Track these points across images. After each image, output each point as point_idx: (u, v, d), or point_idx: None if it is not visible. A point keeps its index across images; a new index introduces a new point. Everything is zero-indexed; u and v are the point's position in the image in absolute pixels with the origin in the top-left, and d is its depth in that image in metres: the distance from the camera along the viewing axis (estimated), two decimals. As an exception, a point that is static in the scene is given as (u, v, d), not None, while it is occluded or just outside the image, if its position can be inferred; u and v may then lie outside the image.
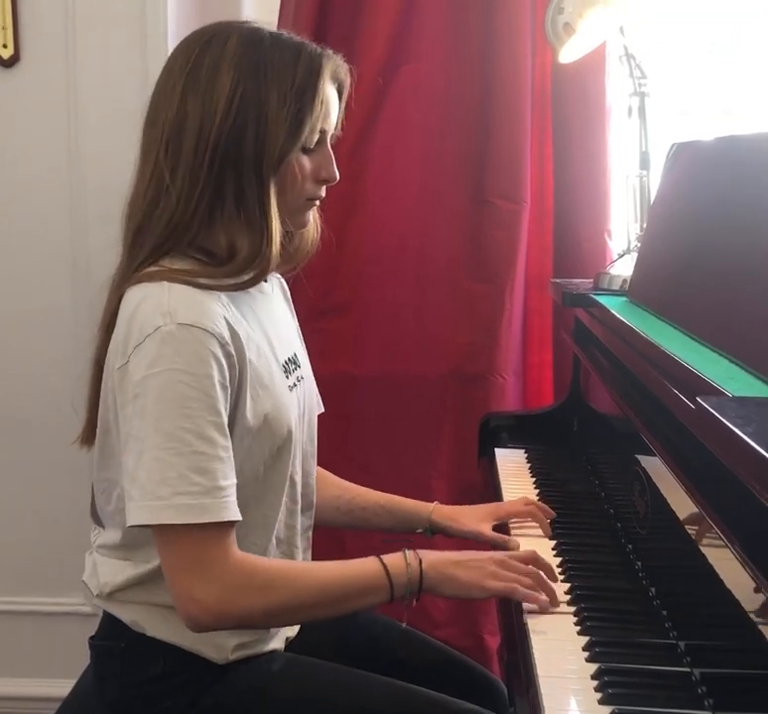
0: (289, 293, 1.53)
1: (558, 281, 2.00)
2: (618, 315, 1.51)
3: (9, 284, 2.11)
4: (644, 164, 1.92)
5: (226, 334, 1.20)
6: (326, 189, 1.33)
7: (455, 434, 2.19)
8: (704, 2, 2.16)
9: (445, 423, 2.21)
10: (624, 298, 1.70)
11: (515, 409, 2.18)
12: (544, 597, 1.25)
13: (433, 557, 1.25)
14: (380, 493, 1.59)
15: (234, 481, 1.19)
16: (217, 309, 1.21)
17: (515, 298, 2.15)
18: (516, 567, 1.26)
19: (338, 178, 1.31)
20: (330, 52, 1.28)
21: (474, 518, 1.53)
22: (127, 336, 1.19)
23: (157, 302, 1.18)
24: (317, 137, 1.27)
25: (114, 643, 1.32)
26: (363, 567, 1.24)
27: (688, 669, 1.10)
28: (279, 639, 1.38)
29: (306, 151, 1.26)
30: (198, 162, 1.21)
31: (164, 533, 1.17)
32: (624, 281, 1.77)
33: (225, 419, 1.19)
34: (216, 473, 1.16)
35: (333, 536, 2.11)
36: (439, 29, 2.09)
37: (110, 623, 1.34)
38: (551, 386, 2.21)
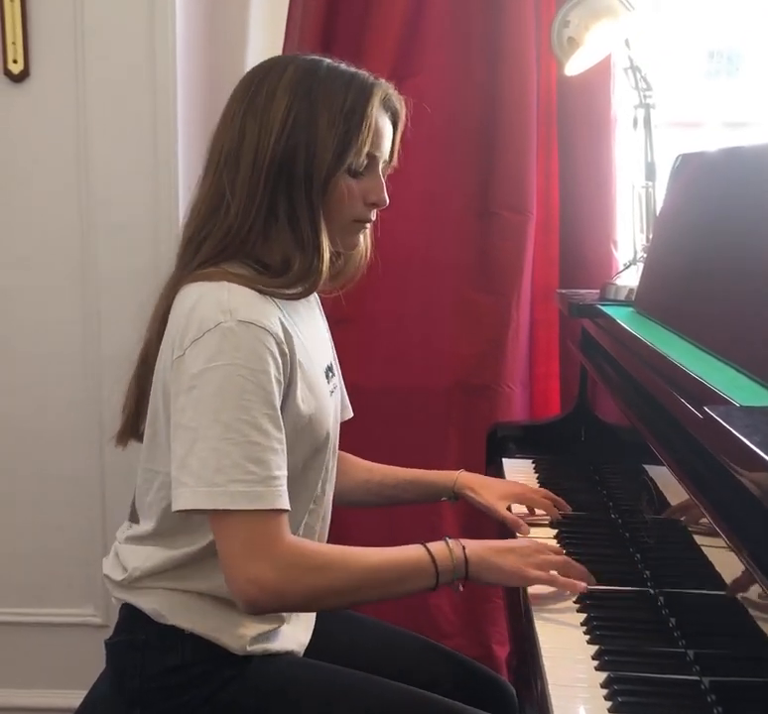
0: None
1: (564, 291, 2.01)
2: (625, 325, 1.52)
3: (20, 294, 2.12)
4: (650, 174, 1.93)
5: (281, 333, 1.25)
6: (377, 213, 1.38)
7: (462, 445, 2.20)
8: (706, 13, 2.17)
9: (451, 434, 2.21)
10: (631, 309, 1.71)
11: (522, 419, 2.18)
12: (582, 584, 1.29)
13: (474, 545, 1.30)
14: (405, 469, 1.66)
15: (286, 473, 1.23)
16: (272, 310, 1.27)
17: (521, 309, 2.16)
18: (551, 556, 1.32)
19: (388, 202, 1.37)
20: (383, 81, 1.34)
21: (493, 492, 1.59)
22: (185, 330, 1.24)
23: (217, 300, 1.24)
24: (365, 161, 1.31)
25: (134, 636, 1.35)
26: (410, 553, 1.28)
27: (697, 678, 1.10)
28: (295, 641, 1.40)
29: (354, 175, 1.32)
30: (255, 179, 1.28)
31: (221, 519, 1.20)
32: (630, 291, 1.78)
33: (279, 414, 1.24)
34: (270, 463, 1.20)
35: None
36: (444, 41, 2.10)
37: (130, 617, 1.37)
38: (557, 396, 2.21)
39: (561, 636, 1.22)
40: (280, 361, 1.24)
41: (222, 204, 1.30)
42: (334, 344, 2.16)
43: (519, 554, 1.30)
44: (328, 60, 1.33)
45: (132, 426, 1.40)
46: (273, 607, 1.24)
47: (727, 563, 1.04)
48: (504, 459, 1.91)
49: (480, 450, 2.00)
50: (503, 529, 1.56)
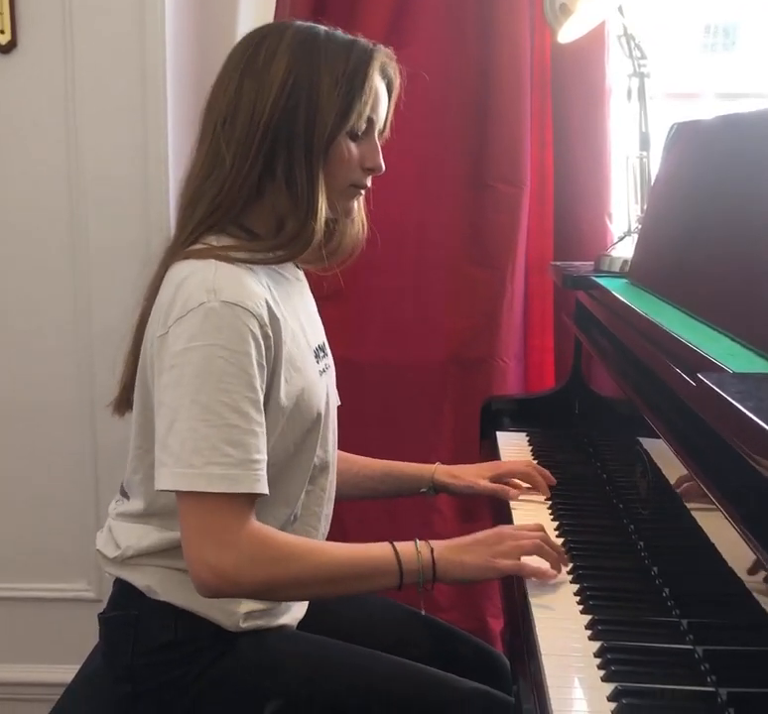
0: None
1: (558, 263, 2.00)
2: (619, 296, 1.51)
3: (8, 269, 2.10)
4: (644, 144, 1.91)
5: (266, 316, 1.24)
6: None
7: (457, 419, 2.20)
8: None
9: (445, 408, 2.21)
10: (625, 280, 1.70)
11: (517, 392, 2.18)
12: (551, 572, 1.28)
13: (443, 547, 1.28)
14: (382, 461, 1.65)
15: (266, 457, 1.22)
16: (260, 291, 1.25)
17: (516, 282, 2.15)
18: (520, 535, 1.30)
19: (384, 169, 1.36)
20: (381, 47, 1.34)
21: (472, 473, 1.61)
22: (170, 308, 1.23)
23: (203, 278, 1.23)
24: (364, 125, 1.32)
25: (127, 611, 1.35)
26: (374, 550, 1.27)
27: (690, 647, 1.10)
28: (289, 615, 1.40)
29: (353, 137, 1.32)
30: (251, 136, 1.27)
31: (190, 498, 1.19)
32: (625, 262, 1.77)
33: (261, 397, 1.22)
34: (249, 447, 1.19)
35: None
36: (436, 11, 2.08)
37: (123, 592, 1.36)
38: (552, 369, 2.21)
39: (554, 606, 1.22)
40: (262, 344, 1.23)
41: (217, 163, 1.29)
42: (327, 319, 2.16)
43: (486, 545, 1.28)
44: (326, 27, 1.33)
45: (128, 397, 1.39)
46: (224, 592, 1.22)
47: (722, 533, 1.03)
48: (498, 432, 1.91)
49: (475, 424, 2.00)
50: (497, 516, 1.55)
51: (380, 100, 1.34)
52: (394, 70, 1.37)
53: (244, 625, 1.32)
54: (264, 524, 1.26)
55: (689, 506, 1.16)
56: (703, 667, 1.06)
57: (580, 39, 1.92)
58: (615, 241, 2.01)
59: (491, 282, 2.14)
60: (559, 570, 1.29)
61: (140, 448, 1.34)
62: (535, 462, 1.68)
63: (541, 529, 1.33)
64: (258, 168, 1.28)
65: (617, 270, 1.78)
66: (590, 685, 1.05)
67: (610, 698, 1.01)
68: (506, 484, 1.61)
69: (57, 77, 2.00)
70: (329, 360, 1.48)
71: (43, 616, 2.23)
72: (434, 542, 1.28)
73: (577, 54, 2.05)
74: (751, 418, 0.83)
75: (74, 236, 2.06)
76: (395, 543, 1.26)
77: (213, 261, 1.25)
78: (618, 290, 1.59)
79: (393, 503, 1.98)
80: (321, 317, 2.14)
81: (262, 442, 1.21)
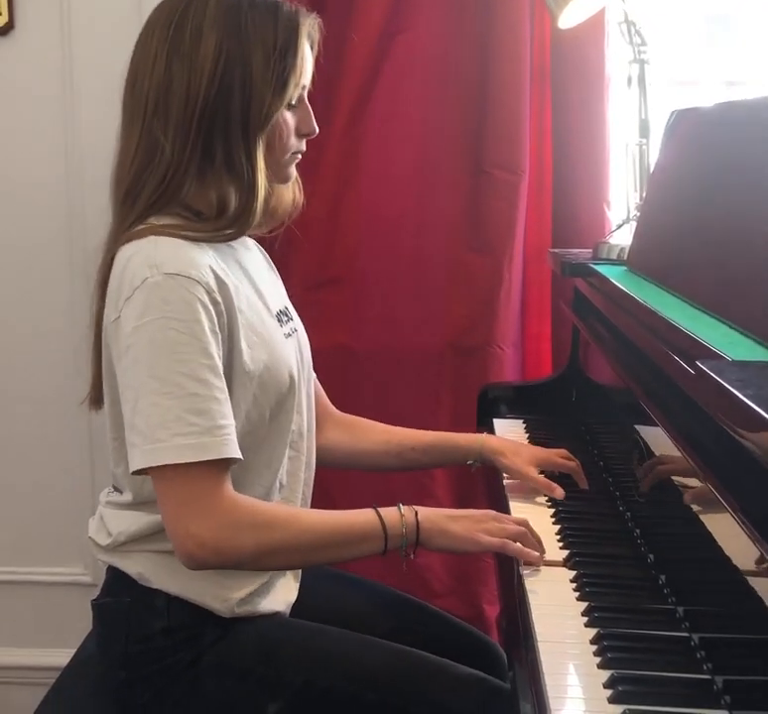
0: (271, 261, 1.55)
1: (556, 251, 1.99)
2: (617, 283, 1.51)
3: (4, 253, 2.09)
4: (644, 132, 1.90)
5: (213, 283, 1.23)
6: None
7: (454, 406, 2.19)
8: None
9: (443, 395, 2.20)
10: (623, 268, 1.69)
11: (514, 380, 2.17)
12: (535, 553, 1.28)
13: (428, 511, 1.28)
14: (426, 432, 1.63)
15: (232, 422, 1.21)
16: (204, 260, 1.24)
17: (514, 269, 2.14)
18: (508, 525, 1.30)
19: (318, 131, 1.36)
20: (304, 9, 1.32)
21: (523, 457, 1.56)
22: (119, 291, 1.23)
23: (145, 256, 1.22)
24: (298, 93, 1.31)
25: (120, 599, 1.34)
26: (359, 516, 1.27)
27: (686, 634, 1.10)
28: (281, 601, 1.39)
29: (289, 107, 1.31)
30: (187, 123, 1.25)
31: (163, 473, 1.18)
32: (623, 250, 1.76)
33: (219, 363, 1.22)
34: (214, 413, 1.18)
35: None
36: (435, -3, 2.07)
37: (115, 579, 1.36)
38: (549, 357, 2.20)
39: (550, 593, 1.22)
40: (212, 310, 1.22)
41: (157, 152, 1.26)
42: (324, 305, 2.17)
43: (473, 520, 1.29)
44: None
45: (99, 390, 1.37)
46: (212, 563, 1.22)
47: (719, 521, 1.03)
48: (495, 420, 1.91)
49: (472, 411, 2.00)
50: (494, 495, 1.55)
51: (309, 64, 1.33)
52: (316, 30, 1.34)
53: (239, 610, 1.32)
54: (252, 491, 1.28)
55: (686, 494, 1.16)
56: (698, 655, 1.06)
57: (580, 25, 1.92)
58: (614, 229, 2.00)
59: (489, 269, 2.13)
60: (541, 552, 1.29)
61: (116, 440, 1.32)
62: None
63: (526, 523, 1.32)
64: (198, 152, 1.26)
65: (616, 257, 1.78)
66: (586, 672, 1.05)
67: (606, 685, 1.01)
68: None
69: (54, 59, 2.00)
70: (296, 324, 1.46)
71: (39, 600, 2.23)
72: (418, 507, 1.28)
73: (577, 40, 2.04)
74: (750, 406, 0.82)
75: (71, 221, 2.06)
76: (379, 509, 1.26)
77: (153, 237, 1.24)
78: (617, 277, 1.58)
79: (388, 488, 1.98)
80: (319, 304, 2.16)
81: (226, 407, 1.21)
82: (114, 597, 1.36)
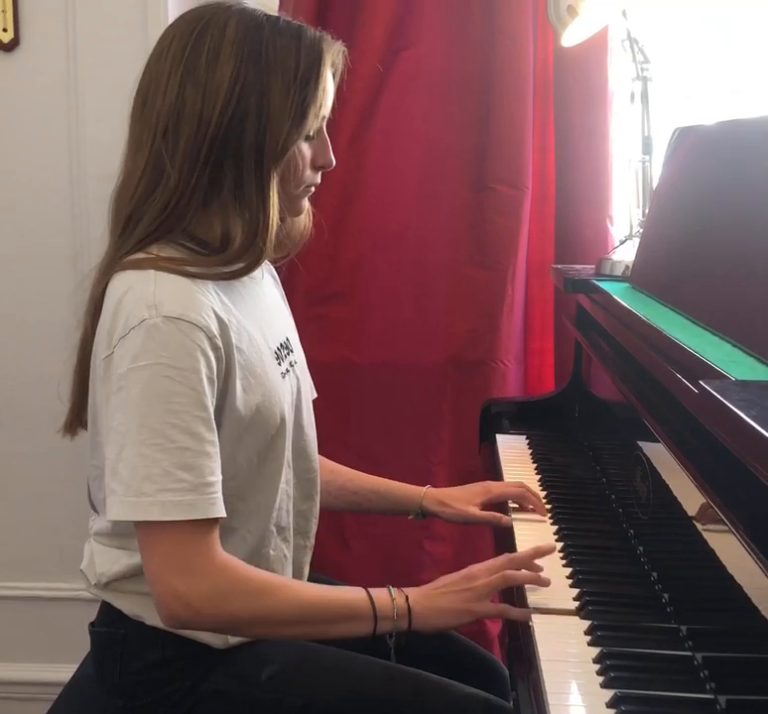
0: (279, 279, 1.53)
1: (559, 267, 1.99)
2: (620, 300, 1.51)
3: (9, 269, 2.10)
4: (646, 148, 1.91)
5: (214, 327, 1.18)
6: (324, 176, 1.32)
7: (456, 421, 2.19)
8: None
9: (445, 410, 2.20)
10: (626, 284, 1.69)
11: (516, 395, 2.17)
12: (527, 613, 1.21)
13: (416, 592, 1.24)
14: (372, 477, 1.59)
15: (220, 478, 1.17)
16: (205, 301, 1.19)
17: (516, 285, 2.14)
18: (491, 577, 1.24)
19: (334, 163, 1.31)
20: (328, 36, 1.26)
21: (462, 500, 1.54)
22: (112, 327, 1.17)
23: (142, 293, 1.16)
24: (318, 124, 1.26)
25: (114, 630, 1.32)
26: (348, 593, 1.23)
27: (689, 653, 1.10)
28: None
29: (307, 139, 1.25)
30: (196, 150, 1.19)
31: (148, 529, 1.15)
32: (626, 266, 1.76)
33: (212, 414, 1.17)
34: (203, 469, 1.14)
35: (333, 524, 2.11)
36: (439, 13, 2.08)
37: (109, 611, 1.33)
38: (552, 372, 2.21)
39: (553, 611, 1.21)
40: (212, 357, 1.17)
41: (162, 178, 1.20)
42: (327, 319, 2.17)
43: (455, 590, 1.23)
44: (267, 13, 1.24)
45: (77, 416, 1.33)
46: (193, 625, 1.19)
47: (722, 539, 1.03)
48: (498, 435, 1.91)
49: (474, 426, 2.00)
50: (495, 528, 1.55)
51: (330, 94, 1.27)
52: (340, 59, 1.28)
53: (233, 641, 1.29)
54: (242, 539, 1.25)
55: (689, 511, 1.16)
56: (702, 674, 1.06)
57: (583, 42, 1.92)
58: (617, 245, 2.01)
59: (492, 284, 2.14)
60: (544, 583, 1.25)
61: (97, 468, 1.28)
62: (537, 484, 1.63)
63: (504, 562, 1.27)
64: (205, 181, 1.20)
65: (619, 274, 1.78)
66: (589, 691, 1.04)
67: (609, 705, 1.01)
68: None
69: (59, 75, 2.00)
70: (297, 356, 1.42)
71: (41, 615, 2.23)
72: (408, 590, 1.24)
73: (580, 57, 2.04)
74: (753, 426, 0.82)
75: (76, 235, 2.06)
76: (369, 589, 1.22)
77: (153, 271, 1.18)
78: (619, 294, 1.59)
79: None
80: (322, 318, 2.16)
81: (216, 463, 1.16)
82: (108, 627, 1.33)
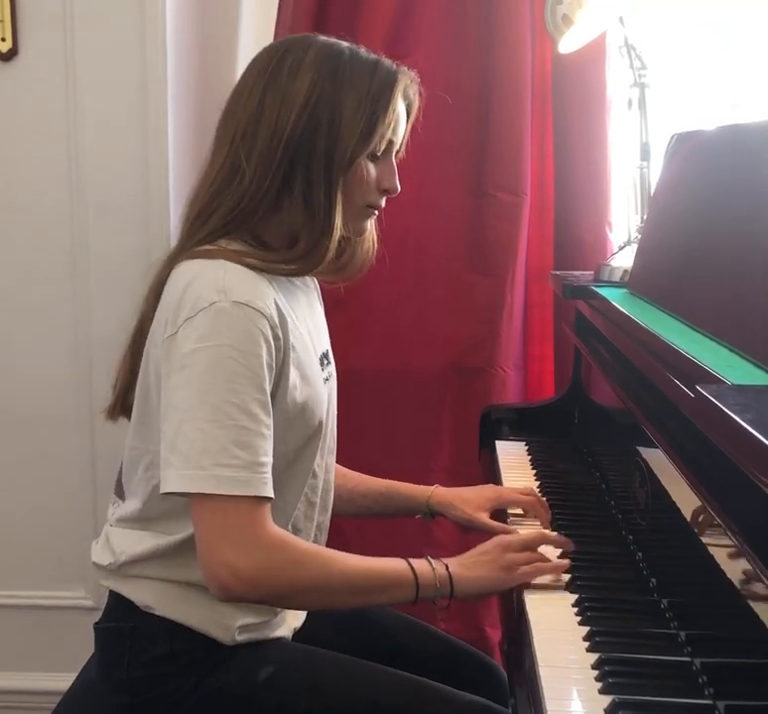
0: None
1: (558, 273, 2.00)
2: (619, 306, 1.51)
3: (8, 275, 2.10)
4: (644, 155, 1.91)
5: (276, 317, 1.24)
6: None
7: (456, 427, 2.19)
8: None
9: (445, 417, 2.21)
10: (625, 290, 1.70)
11: (516, 401, 2.17)
12: (564, 562, 1.30)
13: (454, 562, 1.28)
14: (379, 480, 1.61)
15: (271, 460, 1.22)
16: (270, 293, 1.25)
17: (516, 291, 2.15)
18: (518, 553, 1.30)
19: (399, 190, 1.37)
20: (406, 69, 1.35)
21: (472, 504, 1.54)
22: (179, 308, 1.22)
23: (213, 278, 1.22)
24: (384, 146, 1.32)
25: (122, 624, 1.34)
26: (391, 563, 1.26)
27: (688, 659, 1.10)
28: (286, 627, 1.39)
29: (373, 158, 1.32)
30: (272, 152, 1.27)
31: (203, 501, 1.18)
32: (625, 272, 1.77)
33: (269, 399, 1.22)
34: (258, 449, 1.19)
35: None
36: (437, 21, 2.09)
37: (117, 604, 1.35)
38: (552, 378, 2.21)
39: (552, 617, 1.21)
40: (273, 345, 1.23)
41: (236, 176, 1.29)
42: (328, 327, 2.17)
43: (490, 559, 1.28)
44: (349, 44, 1.34)
45: (123, 402, 1.38)
46: (245, 596, 1.22)
47: (720, 544, 1.03)
48: (497, 441, 1.91)
49: (474, 433, 2.00)
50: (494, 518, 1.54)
51: (401, 122, 1.35)
52: (414, 93, 1.37)
53: (240, 638, 1.31)
54: None
55: (687, 517, 1.16)
56: (700, 680, 1.05)
57: (581, 49, 1.93)
58: (615, 251, 2.01)
59: (491, 290, 2.14)
60: (570, 548, 1.32)
61: (136, 449, 1.33)
62: (536, 490, 1.63)
63: (541, 536, 1.34)
64: (277, 183, 1.28)
65: (617, 279, 1.78)
66: (588, 697, 1.04)
67: (608, 710, 1.00)
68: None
69: (58, 85, 2.01)
70: (333, 368, 1.48)
71: (41, 624, 2.22)
72: (445, 560, 1.28)
73: (578, 63, 2.05)
74: (749, 431, 0.82)
75: (75, 245, 2.06)
76: (409, 559, 1.26)
77: (223, 261, 1.25)
78: (618, 300, 1.59)
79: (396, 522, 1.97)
80: (323, 325, 2.16)
81: (269, 445, 1.21)
82: (115, 622, 1.35)
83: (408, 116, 1.38)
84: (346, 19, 2.09)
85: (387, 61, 1.33)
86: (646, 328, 1.33)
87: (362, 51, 1.33)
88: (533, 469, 1.76)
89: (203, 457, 1.17)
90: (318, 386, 1.34)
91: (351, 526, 2.15)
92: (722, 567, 1.03)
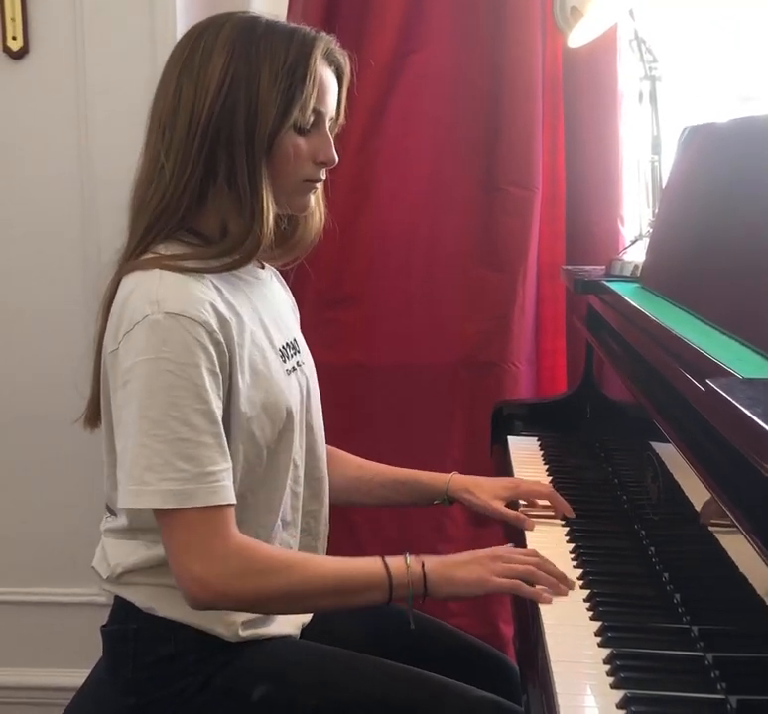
0: (286, 283, 1.54)
1: (570, 268, 1.99)
2: (630, 301, 1.51)
3: (20, 275, 2.11)
4: (656, 148, 1.91)
5: (214, 322, 1.22)
6: (333, 176, 1.35)
7: (468, 423, 2.19)
8: None
9: (457, 412, 2.20)
10: (637, 284, 1.69)
11: (528, 396, 2.17)
12: (547, 597, 1.23)
13: (433, 562, 1.26)
14: (397, 468, 1.60)
15: (226, 466, 1.21)
16: (205, 297, 1.23)
17: (527, 286, 2.14)
18: (517, 558, 1.27)
19: (337, 160, 1.32)
20: (324, 34, 1.29)
21: (490, 492, 1.53)
22: (119, 323, 1.23)
23: (147, 290, 1.21)
24: (311, 118, 1.28)
25: (126, 626, 1.34)
26: (364, 564, 1.25)
27: (700, 653, 1.09)
28: (292, 623, 1.38)
29: (301, 132, 1.28)
30: (190, 141, 1.24)
31: (161, 517, 1.20)
32: (636, 267, 1.76)
33: (215, 406, 1.21)
34: (203, 459, 1.18)
35: (346, 528, 2.11)
36: (447, 15, 2.08)
37: (121, 607, 1.35)
38: (564, 373, 2.20)
39: (564, 612, 1.21)
40: (213, 351, 1.21)
41: (156, 172, 1.26)
42: (338, 323, 2.17)
43: (480, 564, 1.26)
44: (267, 17, 1.29)
45: (96, 410, 1.37)
46: (215, 605, 1.22)
47: (732, 539, 1.03)
48: (510, 437, 1.90)
49: (486, 428, 1.99)
50: (509, 527, 1.53)
51: (327, 90, 1.29)
52: (342, 56, 1.31)
53: (244, 633, 1.31)
54: (252, 532, 1.27)
55: (699, 511, 1.15)
56: (713, 675, 1.05)
57: (592, 42, 1.92)
58: (627, 245, 2.00)
59: (503, 285, 2.14)
60: (564, 593, 1.25)
61: (111, 466, 1.31)
62: (549, 482, 1.62)
63: (535, 554, 1.29)
64: (199, 173, 1.24)
65: (629, 274, 1.77)
66: (600, 692, 1.04)
67: (620, 706, 1.00)
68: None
69: (68, 83, 2.01)
70: (304, 357, 1.44)
71: (54, 620, 2.23)
72: (425, 557, 1.26)
73: (589, 57, 2.04)
74: (759, 424, 0.82)
75: (85, 242, 2.07)
76: (385, 558, 1.25)
77: (157, 270, 1.23)
78: (629, 294, 1.58)
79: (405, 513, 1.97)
80: (333, 322, 2.16)
81: (218, 452, 1.20)
82: (120, 624, 1.35)
83: (341, 83, 1.32)
84: (356, 16, 2.08)
85: (304, 28, 1.27)
86: (657, 322, 1.32)
87: (280, 22, 1.28)
88: (545, 464, 1.76)
89: (147, 473, 1.17)
90: (278, 380, 1.31)
91: (365, 521, 2.16)
92: (736, 562, 1.02)
